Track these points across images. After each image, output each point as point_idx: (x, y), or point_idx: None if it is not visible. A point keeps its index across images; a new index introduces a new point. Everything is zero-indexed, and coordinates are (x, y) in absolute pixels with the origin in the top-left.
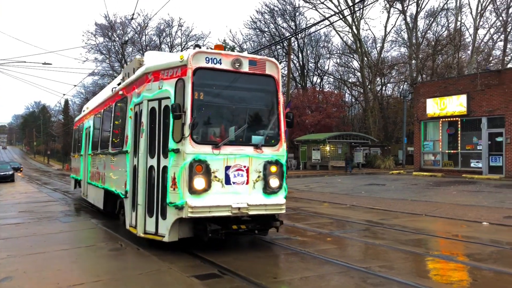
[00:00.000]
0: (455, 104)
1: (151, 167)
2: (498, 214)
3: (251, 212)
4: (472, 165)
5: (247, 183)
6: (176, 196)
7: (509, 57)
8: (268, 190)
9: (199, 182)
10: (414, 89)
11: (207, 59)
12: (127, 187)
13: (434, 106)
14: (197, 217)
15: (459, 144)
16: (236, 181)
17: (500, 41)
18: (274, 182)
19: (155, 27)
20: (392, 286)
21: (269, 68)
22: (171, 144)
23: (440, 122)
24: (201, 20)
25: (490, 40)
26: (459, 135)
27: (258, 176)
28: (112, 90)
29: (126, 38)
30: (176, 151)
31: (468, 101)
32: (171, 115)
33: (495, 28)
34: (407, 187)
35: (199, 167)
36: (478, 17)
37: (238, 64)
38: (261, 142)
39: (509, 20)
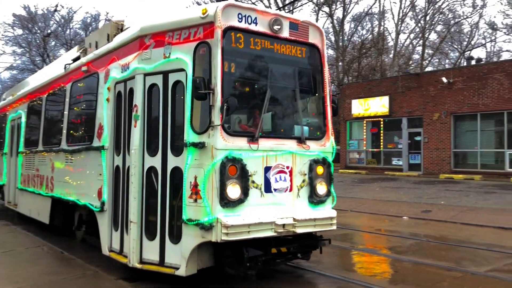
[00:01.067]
0: (378, 105)
1: (151, 168)
2: (416, 208)
3: (298, 230)
4: (393, 163)
5: (291, 189)
6: (199, 211)
7: (427, 61)
8: (315, 198)
9: (234, 190)
10: (341, 90)
11: (240, 16)
12: (103, 196)
13: (359, 107)
14: (233, 241)
15: (381, 143)
16: (278, 187)
17: (419, 46)
18: (321, 188)
19: (81, 21)
20: (320, 280)
21: (313, 35)
22: (190, 136)
23: (365, 122)
24: (130, 15)
25: (410, 45)
26: (381, 135)
27: (303, 180)
28: (65, 67)
29: (49, 31)
30: (200, 145)
31: (390, 102)
32: (187, 94)
33: (415, 33)
34: (334, 184)
35: (233, 168)
36: (400, 22)
37: (278, 27)
38: (306, 134)
39: (426, 26)
